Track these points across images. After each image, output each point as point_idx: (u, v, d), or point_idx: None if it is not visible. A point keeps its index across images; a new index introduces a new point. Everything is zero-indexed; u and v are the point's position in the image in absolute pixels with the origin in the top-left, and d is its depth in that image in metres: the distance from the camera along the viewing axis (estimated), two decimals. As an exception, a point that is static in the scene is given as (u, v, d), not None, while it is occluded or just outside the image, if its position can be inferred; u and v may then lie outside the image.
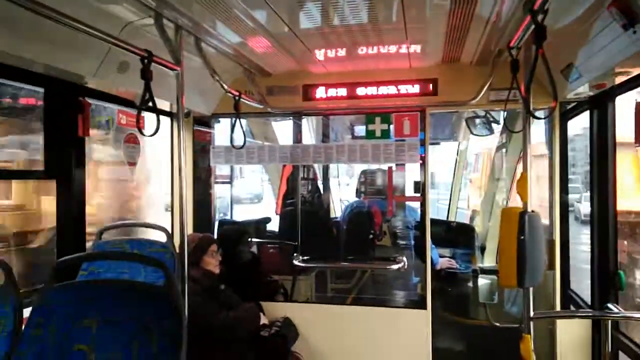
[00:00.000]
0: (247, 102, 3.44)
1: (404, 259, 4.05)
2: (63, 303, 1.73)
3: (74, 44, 2.24)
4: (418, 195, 3.77)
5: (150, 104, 2.17)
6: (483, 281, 4.40)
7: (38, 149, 2.82)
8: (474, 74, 3.38)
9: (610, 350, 2.70)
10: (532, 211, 2.37)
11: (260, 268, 4.28)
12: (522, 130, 2.46)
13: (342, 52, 3.20)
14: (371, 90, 3.61)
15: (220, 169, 4.52)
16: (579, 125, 3.57)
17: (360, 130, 4.83)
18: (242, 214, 6.78)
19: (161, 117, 2.25)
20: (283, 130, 5.17)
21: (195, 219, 4.05)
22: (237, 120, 3.34)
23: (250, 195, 13.22)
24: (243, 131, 3.42)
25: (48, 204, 3.34)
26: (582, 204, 9.79)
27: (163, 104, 3.34)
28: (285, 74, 3.72)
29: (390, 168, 4.02)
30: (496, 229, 4.99)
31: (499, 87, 3.22)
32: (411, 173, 4.22)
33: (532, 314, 2.42)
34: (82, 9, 2.01)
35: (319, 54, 3.26)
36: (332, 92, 3.69)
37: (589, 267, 3.21)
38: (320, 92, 3.71)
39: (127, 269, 2.59)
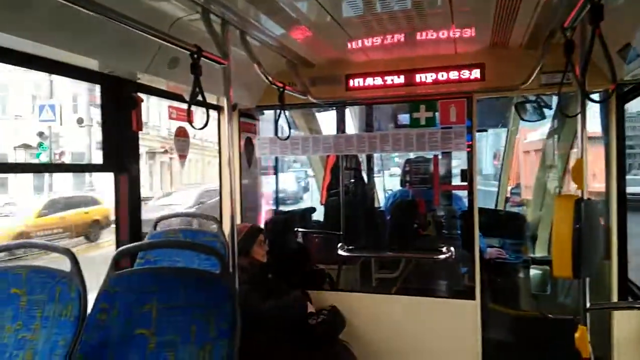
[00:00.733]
0: (290, 93, 3.47)
1: (452, 248, 3.99)
2: (125, 289, 1.83)
3: (126, 41, 2.32)
4: (464, 184, 3.69)
5: (200, 97, 2.22)
6: (534, 272, 4.28)
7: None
8: (523, 58, 3.24)
9: None
10: (589, 198, 2.28)
11: (306, 257, 4.32)
12: (577, 114, 2.36)
13: (385, 40, 3.15)
14: (416, 78, 3.54)
15: (265, 160, 4.60)
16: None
17: (404, 118, 4.77)
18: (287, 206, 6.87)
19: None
20: (326, 120, 5.19)
21: (242, 209, 4.14)
22: (282, 112, 3.38)
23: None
24: (288, 122, 3.45)
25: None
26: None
27: (209, 98, 3.42)
28: (328, 64, 3.72)
29: (435, 156, 3.95)
30: (548, 217, 4.83)
31: (551, 70, 3.10)
32: (457, 161, 4.13)
33: (588, 305, 2.33)
34: (134, 7, 2.07)
35: (361, 43, 3.22)
36: (375, 80, 3.63)
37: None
38: (362, 81, 3.65)
39: (181, 258, 2.70)
